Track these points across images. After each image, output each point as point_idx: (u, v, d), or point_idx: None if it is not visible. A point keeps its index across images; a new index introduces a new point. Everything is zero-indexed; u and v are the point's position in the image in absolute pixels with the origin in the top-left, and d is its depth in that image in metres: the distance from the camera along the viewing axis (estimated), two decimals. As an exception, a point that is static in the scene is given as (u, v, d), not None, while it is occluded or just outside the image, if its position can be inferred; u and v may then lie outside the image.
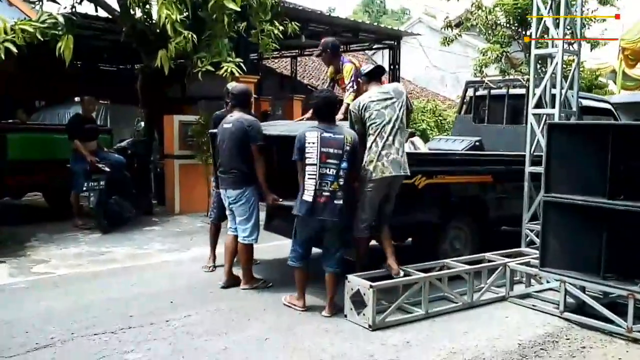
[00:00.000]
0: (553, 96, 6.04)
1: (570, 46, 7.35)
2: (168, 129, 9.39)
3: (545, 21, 6.12)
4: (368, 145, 4.68)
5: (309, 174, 4.42)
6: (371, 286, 4.40)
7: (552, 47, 6.16)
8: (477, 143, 7.49)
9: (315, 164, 4.40)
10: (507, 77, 12.34)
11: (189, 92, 13.21)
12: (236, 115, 5.14)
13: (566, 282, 4.70)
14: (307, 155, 4.42)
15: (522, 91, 7.60)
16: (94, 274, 5.79)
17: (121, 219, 7.85)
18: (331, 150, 4.40)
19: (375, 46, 17.46)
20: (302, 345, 4.03)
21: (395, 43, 15.66)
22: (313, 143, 4.42)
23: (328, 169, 4.39)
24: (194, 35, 7.28)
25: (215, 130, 5.55)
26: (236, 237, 5.25)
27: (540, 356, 3.98)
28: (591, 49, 16.23)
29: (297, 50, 18.03)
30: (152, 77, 8.85)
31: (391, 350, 4.00)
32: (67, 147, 7.96)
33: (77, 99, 11.44)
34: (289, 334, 4.25)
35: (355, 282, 4.56)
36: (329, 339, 4.16)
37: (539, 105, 6.15)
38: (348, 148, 4.43)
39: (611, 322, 4.42)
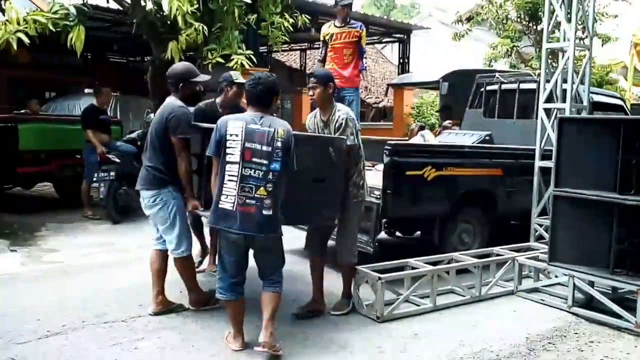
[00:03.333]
0: (564, 91, 6.02)
1: (582, 41, 7.32)
2: (178, 120, 9.40)
3: (557, 15, 6.09)
4: (361, 166, 4.40)
5: (229, 175, 3.53)
6: (379, 278, 4.41)
7: (564, 41, 6.14)
8: (487, 137, 7.47)
9: (238, 163, 3.52)
10: (517, 71, 12.30)
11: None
12: (166, 101, 4.35)
13: (575, 277, 4.69)
14: (228, 150, 3.55)
15: (533, 86, 7.56)
16: (104, 264, 5.83)
17: (131, 209, 7.90)
18: (258, 147, 3.53)
19: (384, 40, 17.42)
20: (311, 336, 4.06)
21: (405, 37, 15.62)
22: (236, 135, 3.55)
23: (253, 170, 3.50)
24: (205, 27, 7.28)
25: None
26: (161, 251, 4.41)
27: (548, 350, 3.99)
28: (602, 44, 16.14)
29: (306, 43, 18.02)
30: (162, 68, 8.86)
31: (399, 342, 4.02)
32: (78, 137, 8.02)
33: (87, 90, 11.53)
34: (296, 324, 4.27)
35: (364, 274, 4.57)
36: (337, 330, 4.18)
37: (549, 99, 6.13)
38: (279, 145, 3.55)
39: (620, 317, 4.42)
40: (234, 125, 3.59)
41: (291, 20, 8.64)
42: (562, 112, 5.84)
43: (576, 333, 4.34)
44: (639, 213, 4.38)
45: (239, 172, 3.51)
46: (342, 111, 4.34)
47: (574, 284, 4.72)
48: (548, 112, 6.08)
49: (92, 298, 4.70)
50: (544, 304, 4.94)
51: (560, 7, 6.03)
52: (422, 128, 8.25)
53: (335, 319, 4.42)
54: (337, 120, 4.28)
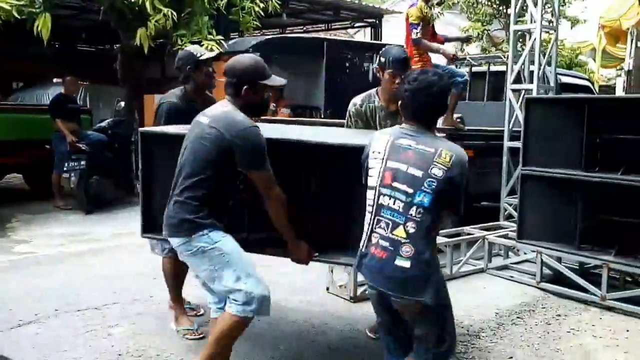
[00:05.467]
0: (531, 72, 6.12)
1: (550, 23, 7.43)
2: (148, 108, 9.32)
3: (524, -2, 6.17)
4: None
5: (368, 205, 2.61)
6: (352, 259, 4.46)
7: (531, 23, 6.23)
8: (458, 119, 7.56)
9: (374, 187, 2.58)
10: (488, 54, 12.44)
11: (169, 72, 13.12)
12: (220, 108, 2.92)
13: (543, 253, 4.81)
14: (370, 172, 2.62)
15: (503, 68, 7.67)
16: (77, 254, 5.79)
17: (103, 199, 7.84)
18: (403, 168, 2.51)
19: (357, 25, 17.39)
20: (288, 318, 4.11)
21: (377, 21, 15.61)
22: (378, 152, 2.60)
23: (392, 200, 2.51)
24: (174, 13, 7.23)
25: (158, 130, 3.46)
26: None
27: (516, 324, 4.11)
28: (571, 27, 16.35)
29: (278, 29, 17.89)
30: (131, 56, 8.78)
31: (371, 319, 4.06)
32: (47, 127, 7.91)
33: (56, 79, 11.34)
34: (275, 307, 4.28)
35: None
36: (311, 312, 4.24)
37: (517, 81, 6.23)
38: (437, 172, 2.47)
39: (586, 291, 4.56)
40: (379, 139, 2.64)
41: (262, 5, 8.62)
42: (530, 93, 5.94)
43: (544, 307, 4.47)
44: (604, 190, 4.50)
45: (374, 200, 2.56)
46: None
47: (542, 260, 4.84)
48: (516, 93, 6.18)
49: (66, 287, 4.67)
50: (514, 281, 5.06)
51: (527, -10, 6.11)
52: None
53: (310, 299, 4.47)
54: None
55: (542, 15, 5.97)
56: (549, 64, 6.23)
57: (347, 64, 8.19)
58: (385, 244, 2.49)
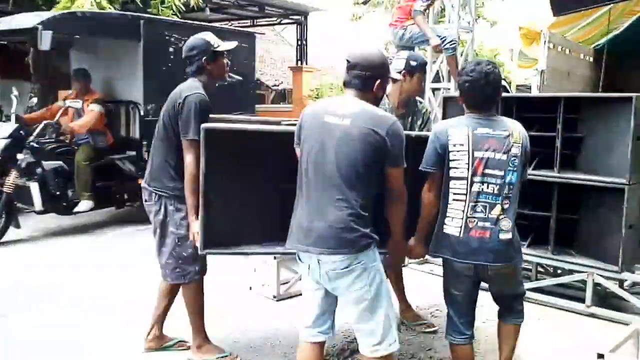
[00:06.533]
0: (449, 71, 6.31)
1: (469, 23, 7.70)
2: (64, 104, 8.91)
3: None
4: None
5: (454, 194, 2.83)
6: (275, 257, 4.44)
7: (448, 23, 6.42)
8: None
9: (466, 178, 2.81)
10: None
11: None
12: (354, 103, 2.61)
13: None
14: (452, 164, 2.83)
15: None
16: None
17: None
18: (491, 155, 2.80)
19: (284, 21, 17.35)
20: (208, 318, 4.02)
21: (303, 18, 15.63)
22: (460, 145, 2.81)
23: (486, 185, 2.80)
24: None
25: (212, 126, 2.98)
26: (317, 345, 2.76)
27: (435, 316, 4.23)
28: (491, 26, 17.01)
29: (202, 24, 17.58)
30: (44, 50, 8.36)
31: (292, 314, 4.08)
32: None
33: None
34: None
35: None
36: (234, 312, 4.21)
37: (436, 80, 6.41)
38: (517, 151, 2.83)
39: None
40: (457, 132, 2.84)
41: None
42: (448, 91, 6.12)
43: (462, 299, 4.60)
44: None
45: (467, 189, 2.80)
46: (423, 101, 3.93)
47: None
48: (435, 92, 6.35)
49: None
50: (433, 274, 5.18)
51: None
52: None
53: (233, 299, 4.41)
54: (425, 112, 3.89)
55: (459, 16, 6.16)
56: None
57: (172, 49, 6.58)
58: (486, 224, 2.79)
